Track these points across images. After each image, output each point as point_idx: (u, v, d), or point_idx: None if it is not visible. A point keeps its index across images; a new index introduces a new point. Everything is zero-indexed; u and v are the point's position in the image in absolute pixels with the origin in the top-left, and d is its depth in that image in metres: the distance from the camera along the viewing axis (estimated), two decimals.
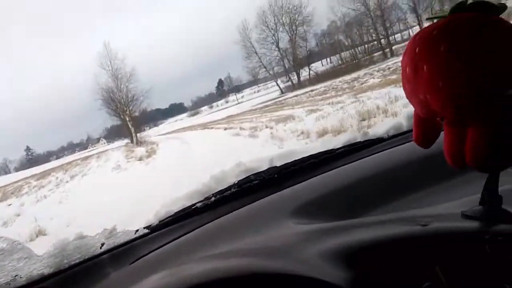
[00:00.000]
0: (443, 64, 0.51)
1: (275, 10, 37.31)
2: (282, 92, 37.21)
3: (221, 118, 28.45)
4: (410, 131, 1.23)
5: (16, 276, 0.90)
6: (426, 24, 0.58)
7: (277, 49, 39.07)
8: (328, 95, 19.64)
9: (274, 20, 37.53)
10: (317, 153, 1.20)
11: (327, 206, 0.99)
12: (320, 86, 27.19)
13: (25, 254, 0.90)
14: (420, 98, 0.56)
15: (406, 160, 1.10)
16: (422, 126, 0.64)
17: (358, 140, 1.24)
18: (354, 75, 26.19)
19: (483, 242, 0.64)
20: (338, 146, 1.22)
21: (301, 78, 38.60)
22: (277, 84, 40.66)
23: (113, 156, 22.77)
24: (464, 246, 0.68)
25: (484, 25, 0.51)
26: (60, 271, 0.95)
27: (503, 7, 0.53)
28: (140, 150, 20.39)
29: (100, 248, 1.00)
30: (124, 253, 1.00)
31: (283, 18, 37.31)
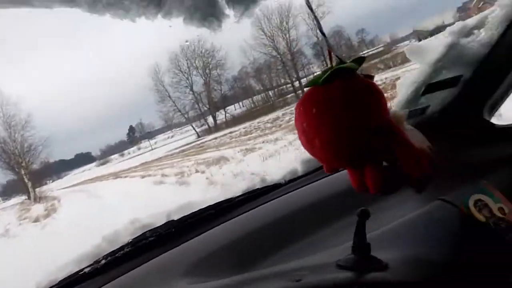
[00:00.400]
0: (315, 124, 0.59)
1: (188, 54, 36.98)
2: (198, 136, 36.82)
3: (135, 165, 26.96)
4: (305, 175, 1.28)
5: None
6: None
7: (191, 92, 38.87)
8: (254, 134, 19.62)
9: (187, 63, 37.34)
10: (215, 204, 1.19)
11: (221, 261, 0.98)
12: (239, 128, 27.07)
13: None
14: (312, 149, 0.62)
15: (300, 206, 1.14)
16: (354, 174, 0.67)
17: (257, 187, 1.26)
18: (272, 115, 26.59)
19: None
20: (237, 194, 1.23)
21: (218, 121, 38.55)
22: (193, 128, 40.32)
23: (2, 218, 19.13)
24: None
25: (346, 89, 0.58)
26: None
27: (361, 59, 0.61)
28: (38, 208, 17.91)
29: None
30: None
31: (196, 61, 37.22)
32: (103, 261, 1.04)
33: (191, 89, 38.46)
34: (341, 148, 0.57)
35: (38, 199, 24.48)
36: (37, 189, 27.11)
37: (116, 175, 23.55)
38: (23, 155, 28.89)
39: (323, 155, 0.60)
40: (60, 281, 1.01)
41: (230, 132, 26.01)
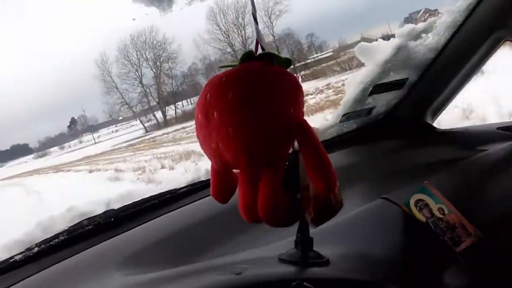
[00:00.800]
0: (231, 111, 0.52)
1: (138, 45, 35.09)
2: (146, 131, 34.92)
3: (77, 159, 24.69)
4: None
5: None
6: None
7: (140, 85, 36.72)
8: None
9: (137, 54, 35.30)
10: (158, 194, 1.19)
11: (160, 253, 0.97)
12: (192, 124, 26.39)
13: None
14: (213, 147, 0.55)
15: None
16: (218, 179, 0.63)
17: (202, 179, 1.27)
18: None
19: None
20: (180, 186, 1.23)
21: (167, 117, 36.99)
22: (141, 122, 38.23)
23: None
24: None
25: (269, 74, 0.55)
26: None
27: (288, 61, 0.58)
28: None
29: None
30: None
31: (147, 53, 35.32)
32: (36, 249, 1.00)
33: (140, 82, 36.75)
34: (256, 141, 0.52)
35: None
36: None
37: (57, 169, 21.48)
38: None
39: (229, 150, 0.53)
40: None
41: (184, 128, 24.77)
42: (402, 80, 1.27)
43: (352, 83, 1.28)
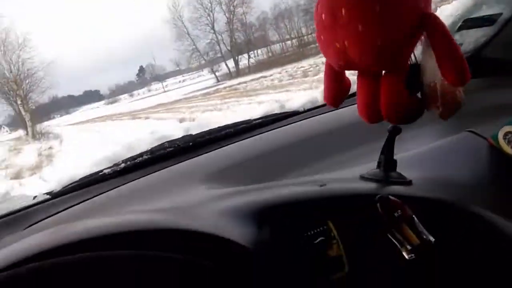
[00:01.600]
0: (361, 7, 0.50)
1: None
2: (218, 80, 33.09)
3: (151, 106, 24.24)
4: (324, 104, 1.31)
5: None
6: None
7: (212, 31, 34.51)
8: (307, 78, 15.96)
9: None
10: (232, 123, 1.23)
11: (240, 173, 1.02)
12: (272, 73, 22.82)
13: None
14: (337, 47, 0.53)
15: (318, 131, 1.18)
16: (333, 83, 0.63)
17: (275, 112, 1.29)
18: (305, 63, 22.34)
19: (375, 201, 0.72)
20: (254, 117, 1.27)
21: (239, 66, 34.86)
22: (213, 71, 36.39)
23: None
24: (358, 205, 0.75)
25: None
26: None
27: None
28: (32, 151, 14.24)
29: None
30: (20, 218, 0.95)
31: None
32: (122, 165, 1.10)
33: (212, 28, 34.49)
34: (385, 38, 0.50)
35: (38, 136, 20.96)
36: (44, 124, 23.78)
37: (133, 115, 20.68)
38: (20, 80, 23.65)
39: (356, 47, 0.52)
40: (81, 179, 1.08)
41: (263, 77, 22.40)
42: (495, 15, 1.18)
43: (440, 16, 1.20)
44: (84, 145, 12.89)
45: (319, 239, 0.68)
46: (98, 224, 0.66)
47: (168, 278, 0.57)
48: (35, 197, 1.01)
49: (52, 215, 0.94)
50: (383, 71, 0.57)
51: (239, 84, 23.21)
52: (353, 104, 1.17)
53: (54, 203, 1.00)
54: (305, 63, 22.21)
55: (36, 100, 25.72)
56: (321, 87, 1.31)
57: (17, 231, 0.91)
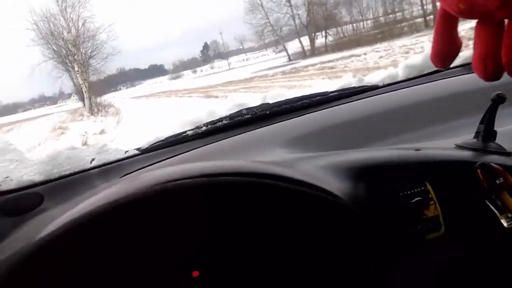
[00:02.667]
0: None
1: None
2: (290, 59, 30.22)
3: (220, 83, 22.20)
4: (404, 80, 1.32)
5: (7, 177, 0.96)
6: None
7: (288, 4, 31.86)
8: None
9: None
10: (309, 95, 1.28)
11: (318, 140, 1.07)
12: (360, 52, 19.55)
13: (17, 156, 0.96)
14: None
15: (398, 106, 1.19)
16: (445, 38, 0.56)
17: (353, 85, 1.33)
18: (399, 42, 19.33)
19: (474, 168, 0.74)
20: (331, 90, 1.31)
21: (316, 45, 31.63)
22: (285, 49, 33.35)
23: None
24: (455, 170, 0.77)
25: None
26: (50, 180, 1.02)
27: None
28: (80, 130, 13.02)
29: (90, 163, 1.07)
30: (113, 169, 1.08)
31: None
32: (203, 128, 1.20)
33: (288, 1, 31.86)
34: None
35: (96, 110, 18.63)
36: (107, 95, 20.62)
37: (205, 93, 18.57)
38: (78, 43, 19.83)
39: None
40: (166, 138, 1.19)
41: (353, 55, 19.24)
42: None
43: None
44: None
45: (416, 199, 0.71)
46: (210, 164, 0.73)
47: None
48: (126, 151, 1.13)
49: (142, 168, 1.05)
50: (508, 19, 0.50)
51: (321, 63, 19.94)
52: (433, 81, 1.17)
53: (142, 158, 1.12)
54: (399, 43, 19.09)
55: (96, 67, 22.66)
56: (404, 62, 1.32)
57: (110, 179, 1.04)
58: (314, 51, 30.28)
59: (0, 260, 0.71)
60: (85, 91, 19.61)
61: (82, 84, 19.76)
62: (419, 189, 0.72)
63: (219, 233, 0.63)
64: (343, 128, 1.12)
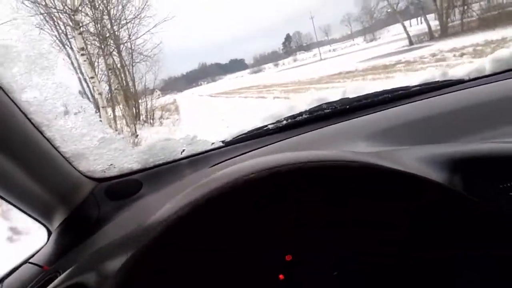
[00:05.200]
0: None
1: None
2: (411, 43, 24.98)
3: (315, 78, 18.96)
4: (492, 74, 1.31)
5: (111, 165, 1.15)
6: None
7: None
8: None
9: None
10: (391, 89, 1.33)
11: (401, 136, 1.11)
12: None
13: (121, 146, 1.14)
14: None
15: (484, 101, 1.19)
16: None
17: (437, 79, 1.35)
18: None
19: None
20: (413, 84, 1.34)
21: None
22: (404, 29, 27.23)
23: None
24: None
25: None
26: (146, 168, 1.19)
27: None
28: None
29: (181, 153, 1.23)
30: (201, 160, 1.23)
31: None
32: (284, 122, 1.30)
33: None
34: None
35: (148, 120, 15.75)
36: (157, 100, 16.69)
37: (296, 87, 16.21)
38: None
39: None
40: (248, 132, 1.32)
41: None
42: None
43: None
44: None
45: None
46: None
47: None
48: (212, 143, 1.28)
49: (227, 159, 1.19)
50: None
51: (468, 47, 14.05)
52: None
53: (227, 150, 1.26)
54: None
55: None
56: (492, 56, 1.32)
57: (199, 169, 1.19)
58: (446, 30, 23.25)
59: (112, 240, 0.87)
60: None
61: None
62: None
63: (316, 220, 0.72)
64: (426, 123, 1.15)
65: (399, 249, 0.71)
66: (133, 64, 16.11)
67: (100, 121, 1.06)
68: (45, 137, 0.92)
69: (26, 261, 0.98)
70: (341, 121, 1.25)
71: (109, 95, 13.95)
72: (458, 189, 0.74)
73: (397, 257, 0.71)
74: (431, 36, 24.08)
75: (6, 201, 0.89)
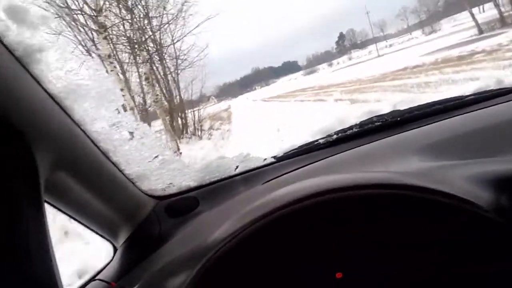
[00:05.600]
0: None
1: None
2: (480, 31, 22.86)
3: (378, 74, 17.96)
4: None
5: (170, 184, 1.24)
6: None
7: None
8: None
9: None
10: (442, 99, 1.32)
11: (454, 149, 1.09)
12: None
13: (179, 165, 1.23)
14: None
15: None
16: None
17: (491, 88, 1.32)
18: None
19: None
20: (467, 94, 1.33)
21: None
22: (472, 17, 24.60)
23: None
24: None
25: None
26: (202, 185, 1.27)
27: None
28: None
29: (235, 170, 1.30)
30: (254, 176, 1.29)
31: None
32: (334, 136, 1.34)
33: None
34: None
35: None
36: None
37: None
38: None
39: None
40: (299, 147, 1.36)
41: None
42: None
43: None
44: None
45: None
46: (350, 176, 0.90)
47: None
48: (265, 159, 1.33)
49: (279, 176, 1.24)
50: None
51: None
52: None
53: (279, 166, 1.31)
54: None
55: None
56: None
57: (252, 186, 1.25)
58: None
59: (176, 256, 0.95)
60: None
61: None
62: None
63: (365, 240, 0.77)
64: (480, 135, 1.13)
65: (432, 265, 0.76)
66: (178, 71, 14.64)
67: (160, 144, 1.15)
68: (111, 161, 1.02)
69: (94, 277, 1.08)
70: (392, 135, 1.26)
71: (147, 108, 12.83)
72: (497, 210, 0.76)
73: (432, 273, 0.76)
74: (502, 23, 22.37)
75: (77, 221, 1.00)
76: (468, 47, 16.59)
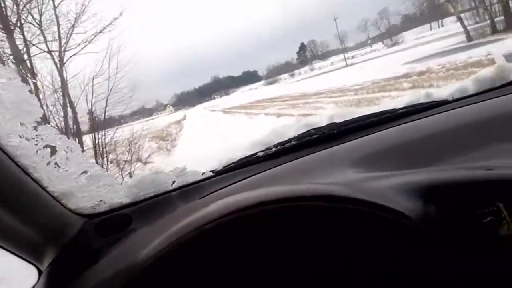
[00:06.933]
0: None
1: None
2: (469, 38, 23.57)
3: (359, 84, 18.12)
4: (475, 94, 1.36)
5: (100, 201, 1.21)
6: None
7: None
8: None
9: None
10: (377, 112, 1.38)
11: (387, 160, 1.15)
12: None
13: (108, 181, 1.21)
14: None
15: (468, 122, 1.24)
16: None
17: (421, 101, 1.39)
18: None
19: None
20: (399, 107, 1.39)
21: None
22: (462, 25, 25.44)
23: None
24: None
25: None
26: (136, 202, 1.25)
27: None
28: None
29: (171, 185, 1.29)
30: (192, 191, 1.29)
31: None
32: (273, 149, 1.36)
33: None
34: None
35: None
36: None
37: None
38: None
39: None
40: (238, 160, 1.37)
41: None
42: None
43: None
44: None
45: (488, 219, 0.80)
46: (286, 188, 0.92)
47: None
48: (203, 173, 1.34)
49: (217, 190, 1.24)
50: None
51: None
52: (506, 95, 1.21)
53: (217, 180, 1.31)
54: None
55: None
56: (475, 75, 1.36)
57: (190, 201, 1.24)
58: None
59: (105, 277, 0.94)
60: None
61: None
62: (491, 209, 0.81)
63: (292, 254, 0.79)
64: (411, 147, 1.19)
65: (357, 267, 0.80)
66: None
67: (87, 159, 1.13)
68: (32, 178, 0.99)
69: None
70: (329, 147, 1.30)
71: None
72: (423, 219, 0.80)
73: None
74: (493, 30, 22.68)
75: None
76: (463, 54, 17.09)
